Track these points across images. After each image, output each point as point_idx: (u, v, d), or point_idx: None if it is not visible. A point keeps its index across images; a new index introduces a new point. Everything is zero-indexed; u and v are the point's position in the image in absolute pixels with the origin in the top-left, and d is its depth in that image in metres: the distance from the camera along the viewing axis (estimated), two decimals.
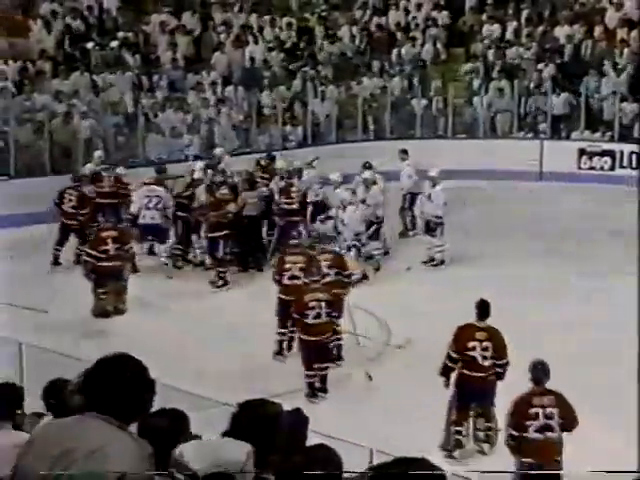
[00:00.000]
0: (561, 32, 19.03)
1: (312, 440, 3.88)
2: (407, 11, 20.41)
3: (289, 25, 19.64)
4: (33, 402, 4.63)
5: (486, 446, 7.89)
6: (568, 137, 17.82)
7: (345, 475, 3.06)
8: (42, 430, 2.74)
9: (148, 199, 12.43)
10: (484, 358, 7.68)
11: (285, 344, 9.69)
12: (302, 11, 20.41)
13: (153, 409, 2.81)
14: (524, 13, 19.74)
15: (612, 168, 17.12)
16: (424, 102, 18.27)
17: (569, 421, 6.68)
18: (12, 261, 12.33)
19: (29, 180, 14.64)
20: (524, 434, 6.67)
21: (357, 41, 19.73)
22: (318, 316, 8.85)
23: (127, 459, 2.50)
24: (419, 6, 20.33)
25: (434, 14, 20.15)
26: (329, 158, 14.88)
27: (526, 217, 14.59)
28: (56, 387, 4.44)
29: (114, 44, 17.82)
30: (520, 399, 6.77)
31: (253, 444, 2.56)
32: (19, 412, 4.41)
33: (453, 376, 7.76)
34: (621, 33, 18.49)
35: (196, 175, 12.95)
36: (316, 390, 8.83)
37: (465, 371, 7.71)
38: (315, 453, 3.50)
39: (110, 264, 10.77)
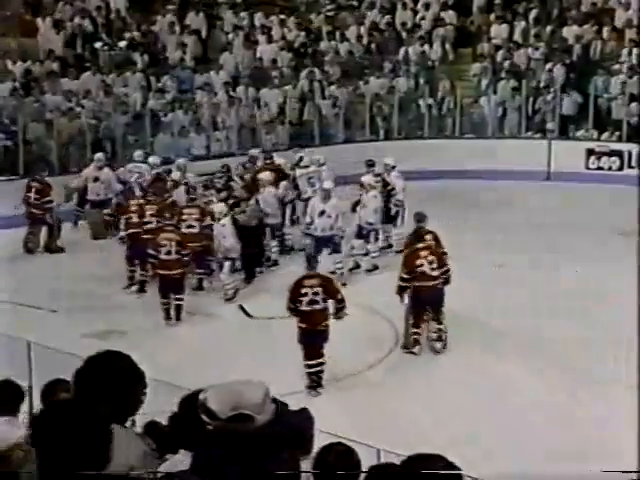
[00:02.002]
0: (570, 32, 18.98)
1: (319, 439, 3.89)
2: (414, 11, 20.37)
3: (297, 25, 19.63)
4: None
5: (438, 345, 9.75)
6: (576, 137, 17.78)
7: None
8: None
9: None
10: (432, 269, 9.63)
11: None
12: (309, 11, 20.40)
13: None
14: (532, 13, 19.69)
15: (620, 168, 17.07)
16: (431, 102, 18.25)
17: (331, 295, 8.99)
18: (20, 260, 12.40)
19: None
20: (298, 306, 8.83)
21: (364, 41, 19.71)
22: (169, 253, 10.70)
23: (132, 455, 2.50)
24: (427, 6, 20.29)
25: (442, 14, 20.11)
26: (336, 158, 14.86)
27: (532, 217, 14.53)
28: (55, 388, 4.42)
29: (122, 44, 17.87)
30: (295, 282, 9.00)
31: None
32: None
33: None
34: (630, 33, 18.44)
35: (174, 176, 13.01)
36: (171, 316, 10.76)
37: (417, 283, 9.60)
38: (333, 450, 3.51)
39: (33, 211, 13.16)
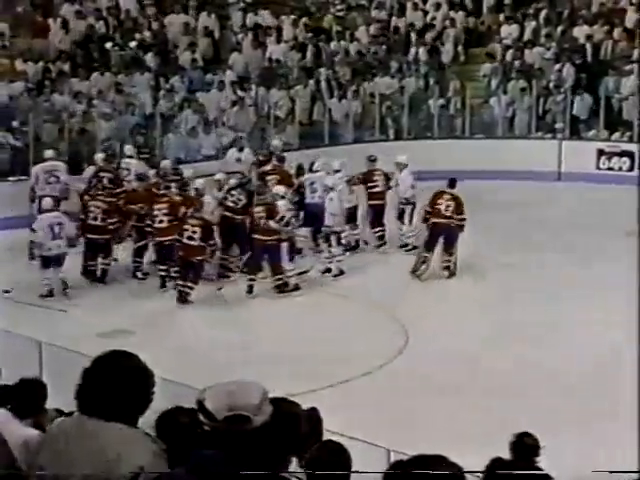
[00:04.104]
0: (580, 32, 18.92)
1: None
2: (425, 12, 20.34)
3: (305, 26, 19.63)
4: (51, 400, 4.65)
5: (445, 273, 12.04)
6: (587, 137, 17.72)
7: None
8: (55, 429, 2.74)
9: (48, 174, 13.55)
10: (447, 209, 12.00)
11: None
12: (319, 11, 20.39)
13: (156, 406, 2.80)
14: (543, 13, 19.65)
15: (631, 169, 17.00)
16: (441, 102, 18.23)
17: (206, 237, 11.32)
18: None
19: None
20: (183, 240, 11.28)
21: (375, 42, 19.65)
22: (95, 219, 11.99)
23: (142, 456, 2.49)
24: (437, 6, 20.26)
25: (452, 14, 20.08)
26: (346, 158, 14.83)
27: (542, 218, 14.49)
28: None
29: (133, 44, 17.91)
30: (180, 219, 11.49)
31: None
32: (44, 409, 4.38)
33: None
34: None
35: (198, 184, 12.49)
36: (96, 278, 11.98)
37: (434, 219, 12.02)
38: (326, 447, 3.52)
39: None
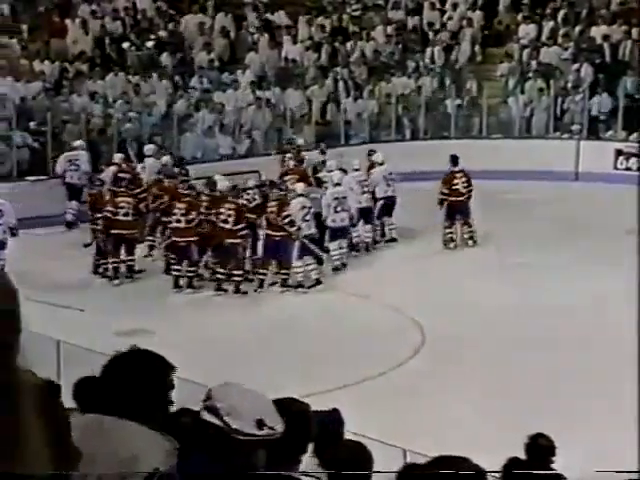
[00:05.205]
0: (598, 32, 18.83)
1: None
2: (442, 11, 20.29)
3: (322, 26, 19.62)
4: (69, 399, 4.66)
5: (470, 242, 13.30)
6: (605, 137, 17.64)
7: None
8: None
9: (69, 163, 14.23)
10: (464, 187, 13.18)
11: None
12: (335, 11, 20.38)
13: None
14: (561, 13, 19.56)
15: None
16: (458, 102, 18.19)
17: (239, 220, 11.51)
18: (47, 259, 12.50)
19: None
20: (217, 223, 11.52)
21: (392, 41, 19.63)
22: (127, 214, 11.87)
23: (157, 455, 2.49)
24: (455, 6, 20.21)
25: (469, 14, 20.02)
26: (360, 158, 14.85)
27: (559, 218, 14.42)
28: (89, 384, 4.40)
29: (150, 44, 17.97)
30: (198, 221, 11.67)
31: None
32: None
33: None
34: None
35: (221, 187, 12.23)
36: (118, 276, 11.94)
37: (451, 198, 13.17)
38: (345, 446, 3.52)
39: None
